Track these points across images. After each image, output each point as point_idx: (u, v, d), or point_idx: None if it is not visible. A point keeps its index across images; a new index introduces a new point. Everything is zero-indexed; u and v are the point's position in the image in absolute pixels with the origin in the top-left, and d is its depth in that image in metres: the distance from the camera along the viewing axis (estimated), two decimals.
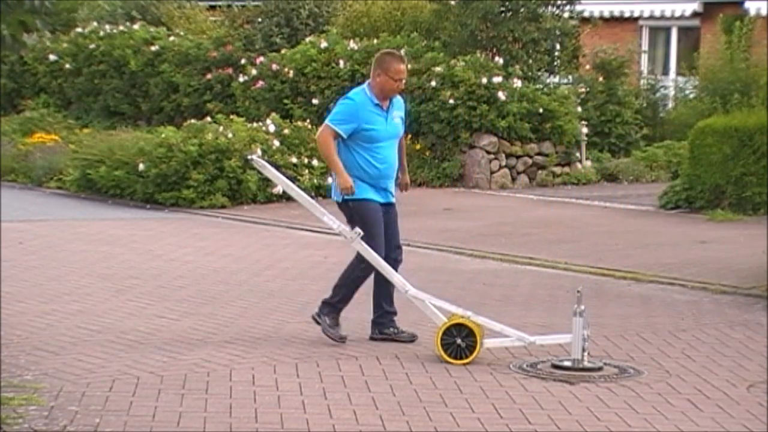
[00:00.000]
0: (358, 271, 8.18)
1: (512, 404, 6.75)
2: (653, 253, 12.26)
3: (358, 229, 8.04)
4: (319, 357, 7.70)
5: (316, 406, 6.60)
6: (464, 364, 7.52)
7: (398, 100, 8.32)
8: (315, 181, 16.58)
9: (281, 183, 8.53)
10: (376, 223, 8.13)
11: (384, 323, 8.25)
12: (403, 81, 8.25)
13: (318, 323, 8.18)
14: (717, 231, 13.77)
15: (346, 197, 8.14)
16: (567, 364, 7.49)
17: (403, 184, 8.61)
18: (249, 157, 8.56)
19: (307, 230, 13.78)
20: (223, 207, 15.62)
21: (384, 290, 8.26)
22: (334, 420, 6.36)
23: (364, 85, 8.30)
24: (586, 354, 7.46)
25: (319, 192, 16.72)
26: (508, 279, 10.91)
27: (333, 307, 8.19)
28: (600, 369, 7.47)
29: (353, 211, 8.18)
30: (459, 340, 7.59)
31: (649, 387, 7.18)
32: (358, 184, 8.12)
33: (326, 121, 8.26)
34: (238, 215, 15.08)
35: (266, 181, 16.09)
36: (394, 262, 8.22)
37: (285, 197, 16.11)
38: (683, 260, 11.72)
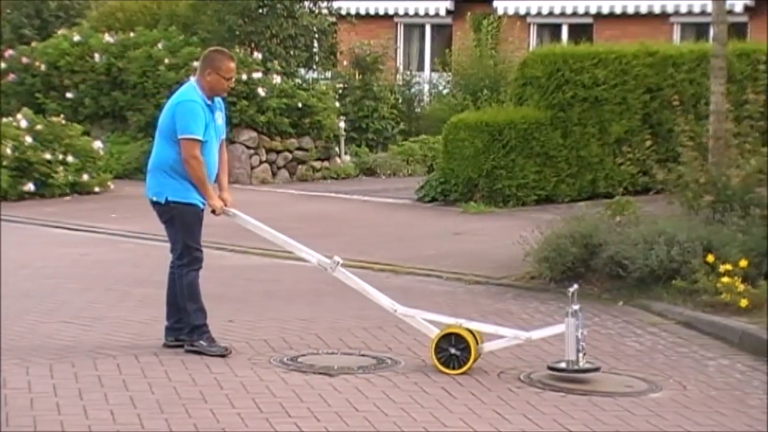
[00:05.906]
0: (185, 278, 7.80)
1: (273, 398, 6.78)
2: (411, 245, 12.53)
3: (337, 258, 7.77)
4: (74, 357, 7.52)
5: (72, 407, 6.45)
6: (463, 372, 7.35)
7: (219, 100, 7.91)
8: (70, 177, 16.16)
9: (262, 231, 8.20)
10: (195, 225, 7.81)
11: (181, 328, 7.87)
12: (233, 80, 7.94)
13: (198, 352, 7.69)
14: (470, 223, 14.20)
15: (170, 198, 7.69)
16: (562, 365, 7.27)
17: (224, 201, 7.91)
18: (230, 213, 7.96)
19: (62, 228, 13.42)
20: None
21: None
22: (90, 420, 6.23)
23: (192, 84, 7.80)
24: (581, 355, 7.22)
25: (75, 189, 16.31)
26: (271, 274, 10.94)
27: (199, 327, 7.78)
28: (597, 370, 7.29)
29: (175, 212, 7.74)
30: (453, 350, 7.42)
31: (405, 377, 7.35)
32: (183, 183, 7.69)
33: (183, 135, 7.58)
34: None
35: (18, 179, 15.59)
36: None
37: (38, 195, 15.64)
38: (439, 252, 12.03)
